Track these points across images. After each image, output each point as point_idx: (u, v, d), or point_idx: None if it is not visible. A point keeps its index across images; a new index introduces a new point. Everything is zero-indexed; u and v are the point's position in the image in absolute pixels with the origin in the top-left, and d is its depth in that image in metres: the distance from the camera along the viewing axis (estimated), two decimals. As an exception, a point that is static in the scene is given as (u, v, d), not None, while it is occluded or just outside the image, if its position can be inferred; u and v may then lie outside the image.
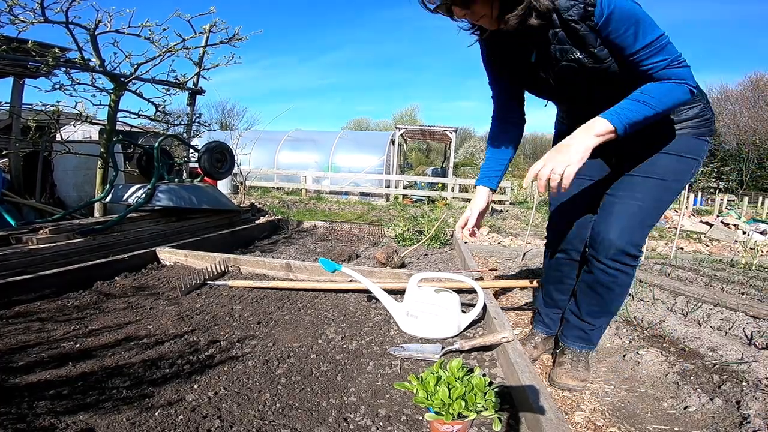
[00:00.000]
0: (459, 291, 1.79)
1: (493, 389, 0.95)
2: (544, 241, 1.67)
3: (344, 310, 1.81)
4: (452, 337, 1.54)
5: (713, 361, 1.65)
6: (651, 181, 1.30)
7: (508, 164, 1.50)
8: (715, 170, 24.36)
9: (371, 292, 1.72)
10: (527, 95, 1.47)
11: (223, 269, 2.32)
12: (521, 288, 2.49)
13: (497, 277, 2.55)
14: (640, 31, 1.06)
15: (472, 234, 1.49)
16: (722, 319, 2.17)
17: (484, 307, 1.64)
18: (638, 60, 1.10)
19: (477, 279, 2.06)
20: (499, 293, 2.46)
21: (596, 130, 1.10)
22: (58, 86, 3.69)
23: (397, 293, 1.91)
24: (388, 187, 11.76)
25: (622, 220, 1.29)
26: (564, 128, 1.49)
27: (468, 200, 9.80)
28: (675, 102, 1.12)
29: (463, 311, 1.60)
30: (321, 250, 3.42)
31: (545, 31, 1.16)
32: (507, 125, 1.49)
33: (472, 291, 1.72)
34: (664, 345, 1.83)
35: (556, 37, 1.17)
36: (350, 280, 2.12)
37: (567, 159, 1.10)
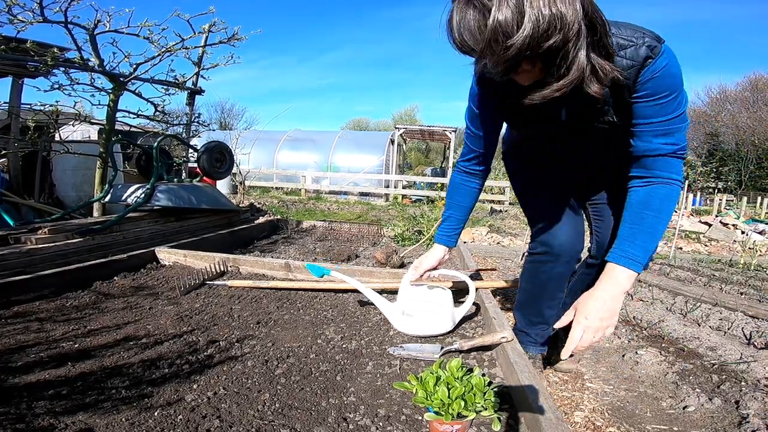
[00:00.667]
0: (452, 289, 1.79)
1: (492, 389, 0.95)
2: (525, 260, 1.53)
3: (343, 310, 1.81)
4: (448, 332, 1.55)
5: (712, 361, 1.66)
6: None
7: (467, 219, 1.49)
8: (714, 170, 24.38)
9: (364, 295, 1.69)
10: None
11: (222, 269, 2.32)
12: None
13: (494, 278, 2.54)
14: (675, 102, 0.98)
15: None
16: (721, 319, 2.17)
17: (476, 303, 1.67)
18: (649, 131, 1.01)
19: (476, 278, 2.06)
20: (496, 293, 2.46)
21: (626, 287, 1.06)
22: (57, 86, 3.69)
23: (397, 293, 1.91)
24: (388, 187, 11.77)
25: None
26: (529, 151, 1.45)
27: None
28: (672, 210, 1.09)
29: (456, 306, 1.61)
30: (320, 250, 3.42)
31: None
32: (474, 178, 1.43)
33: (466, 289, 1.72)
34: (663, 345, 1.83)
35: (598, 99, 0.99)
36: (383, 281, 2.12)
37: (609, 324, 1.05)
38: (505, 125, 1.34)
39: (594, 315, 1.04)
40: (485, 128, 1.29)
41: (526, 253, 1.40)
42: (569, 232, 1.39)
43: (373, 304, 1.66)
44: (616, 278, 1.05)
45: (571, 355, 1.09)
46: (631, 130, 1.05)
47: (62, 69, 3.69)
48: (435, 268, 1.54)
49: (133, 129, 5.39)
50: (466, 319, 1.72)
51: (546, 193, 1.44)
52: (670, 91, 0.97)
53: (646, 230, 1.05)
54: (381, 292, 1.90)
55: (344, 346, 1.44)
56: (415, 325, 1.51)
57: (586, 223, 1.49)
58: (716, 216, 8.83)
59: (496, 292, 2.45)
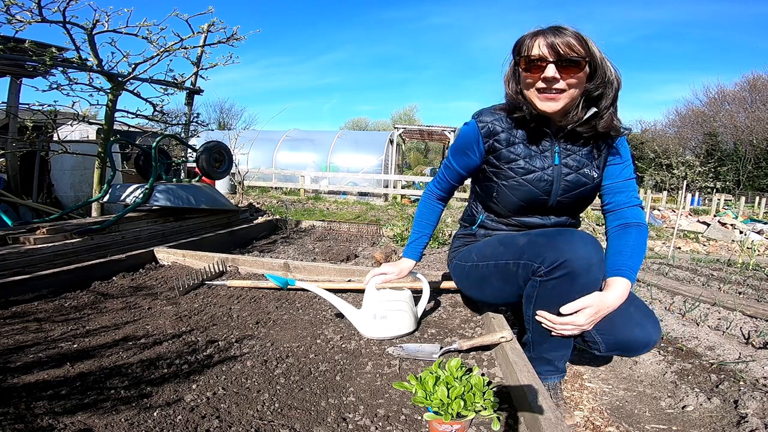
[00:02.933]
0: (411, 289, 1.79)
1: (491, 389, 0.95)
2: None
3: (343, 309, 1.81)
4: (415, 330, 1.56)
5: (711, 361, 1.66)
6: None
7: (429, 241, 1.71)
8: (713, 170, 24.42)
9: (346, 296, 1.67)
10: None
11: (221, 269, 2.32)
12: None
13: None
14: (631, 165, 1.39)
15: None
16: (720, 319, 2.18)
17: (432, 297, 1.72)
18: (631, 188, 1.39)
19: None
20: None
21: (625, 292, 1.22)
22: (55, 86, 3.68)
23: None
24: (387, 186, 11.77)
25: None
26: (494, 226, 1.52)
27: (465, 200, 9.79)
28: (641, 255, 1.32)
29: (415, 305, 1.63)
30: (319, 249, 3.42)
31: (577, 142, 1.35)
32: (441, 204, 1.67)
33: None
34: (662, 344, 1.84)
35: (582, 149, 1.36)
36: (348, 280, 2.12)
37: (595, 321, 1.21)
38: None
39: (598, 309, 1.19)
40: (467, 169, 1.52)
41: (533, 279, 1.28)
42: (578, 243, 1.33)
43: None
44: (620, 288, 1.21)
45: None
46: (613, 186, 1.39)
47: (60, 69, 3.68)
48: (399, 279, 1.61)
49: (131, 129, 5.38)
50: (466, 319, 1.72)
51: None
52: (630, 159, 1.40)
53: (635, 256, 1.29)
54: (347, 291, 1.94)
55: (343, 346, 1.44)
56: (389, 327, 1.49)
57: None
58: (714, 216, 8.85)
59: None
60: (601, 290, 1.22)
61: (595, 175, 1.36)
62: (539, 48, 1.18)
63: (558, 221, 1.45)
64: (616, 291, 1.20)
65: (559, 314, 1.21)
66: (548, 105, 1.23)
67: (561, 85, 1.19)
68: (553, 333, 1.22)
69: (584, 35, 1.19)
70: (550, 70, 1.17)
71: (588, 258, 1.15)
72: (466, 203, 1.71)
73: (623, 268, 1.24)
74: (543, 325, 1.23)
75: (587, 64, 1.18)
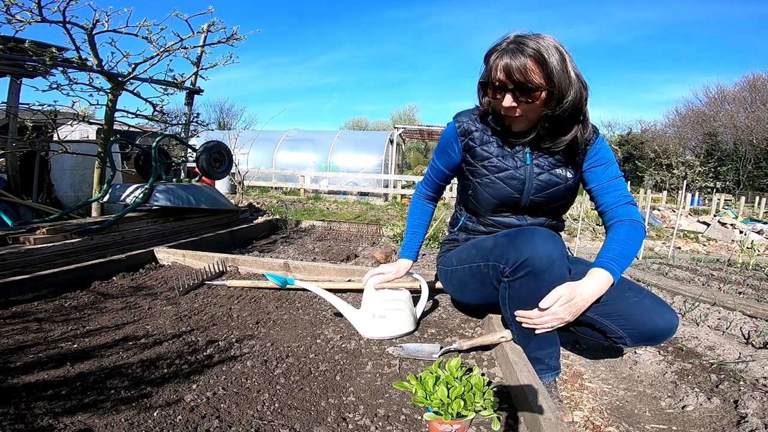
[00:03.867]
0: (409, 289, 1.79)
1: (491, 389, 0.95)
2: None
3: (343, 309, 1.81)
4: (414, 330, 1.56)
5: (711, 361, 1.66)
6: None
7: (423, 240, 1.74)
8: (713, 170, 24.43)
9: (346, 296, 1.67)
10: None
11: (221, 269, 2.32)
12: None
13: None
14: (615, 165, 1.40)
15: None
16: (719, 319, 2.18)
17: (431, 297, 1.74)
18: (608, 189, 1.38)
19: None
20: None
21: (602, 282, 1.23)
22: (55, 86, 3.68)
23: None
24: (387, 186, 11.77)
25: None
26: (475, 227, 1.56)
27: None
28: (641, 242, 1.32)
29: (414, 305, 1.63)
30: (319, 249, 3.42)
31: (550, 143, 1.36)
32: (431, 204, 1.72)
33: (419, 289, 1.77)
34: (662, 344, 1.84)
35: (554, 150, 1.37)
36: (348, 280, 2.12)
37: (575, 312, 1.22)
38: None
39: (569, 299, 1.19)
40: (450, 168, 1.57)
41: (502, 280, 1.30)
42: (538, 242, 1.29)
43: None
44: (601, 280, 1.23)
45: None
46: (599, 188, 1.40)
47: (60, 69, 3.68)
48: (397, 278, 1.63)
49: (131, 129, 5.38)
50: (466, 319, 1.72)
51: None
52: (612, 158, 1.40)
53: (626, 252, 1.28)
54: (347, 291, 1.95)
55: (343, 345, 1.44)
56: (388, 326, 1.49)
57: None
58: (714, 215, 8.85)
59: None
60: None
61: (569, 176, 1.39)
62: (499, 72, 1.20)
63: (535, 222, 1.46)
64: (592, 281, 1.22)
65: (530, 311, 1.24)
66: (513, 125, 1.32)
67: (517, 112, 1.25)
68: (537, 331, 1.22)
69: (546, 52, 1.16)
70: (507, 100, 1.22)
71: (548, 254, 1.16)
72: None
73: (604, 260, 1.25)
74: (524, 324, 1.23)
75: (543, 91, 1.20)
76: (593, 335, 1.36)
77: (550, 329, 1.22)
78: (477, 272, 1.36)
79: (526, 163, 1.39)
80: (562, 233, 1.63)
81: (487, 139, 1.42)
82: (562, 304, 1.18)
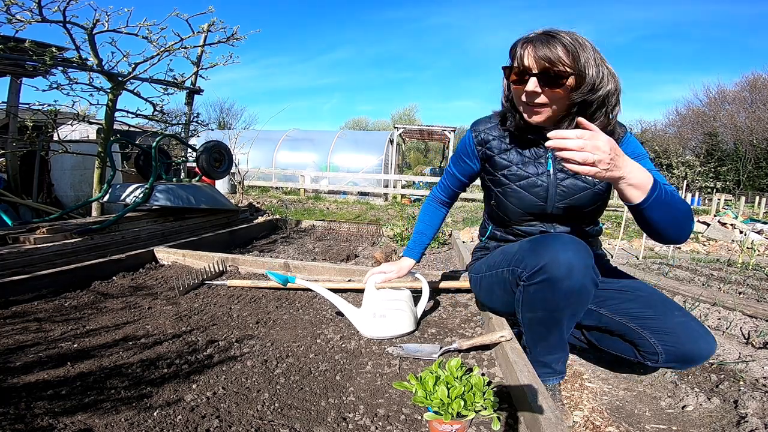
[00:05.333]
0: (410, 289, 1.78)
1: (491, 388, 0.95)
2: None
3: (343, 309, 1.81)
4: (414, 330, 1.56)
5: (711, 361, 1.66)
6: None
7: (429, 243, 1.71)
8: (713, 170, 24.41)
9: (346, 296, 1.69)
10: None
11: (221, 269, 2.32)
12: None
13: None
14: (648, 160, 1.23)
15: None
16: (720, 319, 2.18)
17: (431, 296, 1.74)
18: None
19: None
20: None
21: (643, 180, 1.01)
22: (55, 85, 3.68)
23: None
24: (387, 186, 11.77)
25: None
26: (504, 236, 1.50)
27: (466, 200, 9.81)
28: (685, 213, 1.09)
29: (415, 305, 1.63)
30: (319, 249, 3.42)
31: None
32: (443, 208, 1.70)
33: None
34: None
35: None
36: (348, 280, 2.12)
37: (612, 166, 0.97)
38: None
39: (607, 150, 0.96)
40: (466, 176, 1.56)
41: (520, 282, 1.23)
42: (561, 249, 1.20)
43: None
44: (642, 168, 1.03)
45: None
46: None
47: (60, 68, 3.68)
48: (398, 278, 1.62)
49: (131, 128, 5.38)
50: (466, 319, 1.72)
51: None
52: (645, 152, 1.28)
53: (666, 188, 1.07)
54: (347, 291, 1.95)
55: (343, 345, 1.44)
56: (388, 326, 1.49)
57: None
58: (714, 215, 8.85)
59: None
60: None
61: (597, 179, 1.32)
62: (526, 59, 1.15)
63: (564, 230, 1.38)
64: (635, 164, 1.02)
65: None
66: (533, 118, 1.23)
67: (542, 99, 1.17)
68: (565, 156, 0.96)
69: (577, 42, 1.12)
70: (531, 84, 1.15)
71: (568, 263, 1.10)
72: (466, 203, 1.72)
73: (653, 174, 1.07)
74: (557, 152, 0.98)
75: (572, 77, 1.13)
76: (620, 348, 1.31)
77: (581, 164, 0.96)
78: (501, 278, 1.31)
79: (548, 168, 1.32)
80: (601, 237, 1.55)
81: (505, 147, 1.38)
82: (607, 143, 0.96)
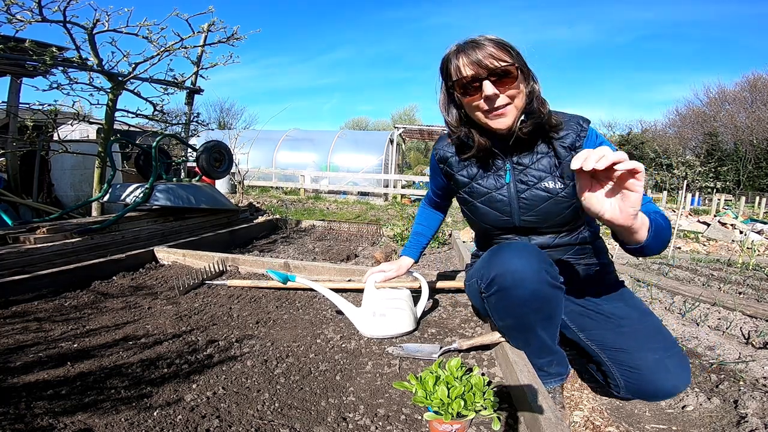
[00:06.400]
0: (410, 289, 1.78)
1: (491, 388, 0.95)
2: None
3: (343, 309, 1.81)
4: (414, 329, 1.56)
5: (711, 361, 1.66)
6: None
7: (428, 243, 1.71)
8: (713, 170, 24.40)
9: (346, 296, 1.69)
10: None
11: (221, 269, 2.32)
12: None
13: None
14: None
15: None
16: (720, 319, 2.18)
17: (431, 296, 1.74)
18: None
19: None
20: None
21: (638, 224, 0.87)
22: (55, 85, 3.68)
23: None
24: (387, 186, 11.76)
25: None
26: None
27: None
28: (668, 229, 1.01)
29: (414, 305, 1.63)
30: (320, 249, 3.42)
31: (530, 150, 1.25)
32: (436, 212, 1.70)
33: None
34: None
35: (538, 160, 1.24)
36: (348, 280, 2.12)
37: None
38: None
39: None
40: (441, 189, 1.56)
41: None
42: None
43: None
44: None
45: None
46: None
47: (61, 68, 3.68)
48: (398, 277, 1.62)
49: (131, 128, 5.38)
50: (466, 319, 1.72)
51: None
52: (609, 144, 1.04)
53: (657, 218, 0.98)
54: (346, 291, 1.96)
55: (343, 345, 1.44)
56: (388, 325, 1.50)
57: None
58: (715, 215, 8.85)
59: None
60: (550, 299, 1.12)
61: (559, 186, 1.22)
62: (469, 68, 1.11)
63: (543, 241, 1.31)
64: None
65: (512, 323, 1.18)
66: (501, 122, 1.15)
67: (502, 99, 1.12)
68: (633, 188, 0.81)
69: (499, 38, 1.13)
70: (488, 87, 1.10)
71: (516, 271, 1.07)
72: None
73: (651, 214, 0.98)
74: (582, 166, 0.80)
75: (518, 70, 1.11)
76: (597, 374, 1.33)
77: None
78: (475, 288, 1.27)
79: (506, 180, 1.27)
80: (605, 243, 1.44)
81: (465, 163, 1.33)
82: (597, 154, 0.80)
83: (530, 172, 1.25)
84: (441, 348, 1.38)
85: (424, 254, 3.31)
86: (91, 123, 4.60)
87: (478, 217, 1.36)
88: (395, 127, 13.68)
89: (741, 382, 1.47)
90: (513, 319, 1.17)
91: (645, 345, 1.20)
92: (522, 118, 1.17)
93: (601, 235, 1.44)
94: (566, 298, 1.26)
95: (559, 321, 1.22)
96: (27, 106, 4.13)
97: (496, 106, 1.12)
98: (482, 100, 1.13)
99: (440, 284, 2.00)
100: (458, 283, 1.99)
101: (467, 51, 1.11)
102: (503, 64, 1.09)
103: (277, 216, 4.87)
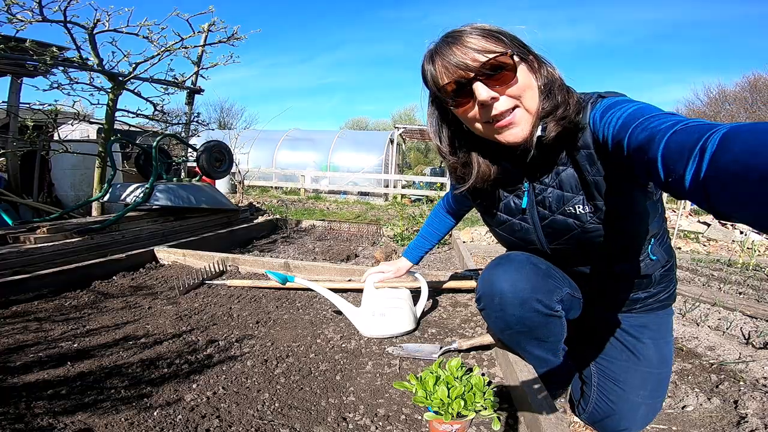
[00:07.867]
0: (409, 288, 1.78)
1: (492, 388, 0.95)
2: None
3: (343, 309, 1.81)
4: (414, 329, 1.57)
5: (711, 361, 1.66)
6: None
7: (431, 248, 1.62)
8: (713, 170, 24.40)
9: (346, 296, 1.69)
10: None
11: (221, 269, 2.32)
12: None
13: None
14: (640, 105, 0.77)
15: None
16: (720, 319, 2.17)
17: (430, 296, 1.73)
18: (653, 138, 0.63)
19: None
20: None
21: None
22: (56, 85, 3.69)
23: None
24: (387, 186, 11.76)
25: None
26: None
27: (466, 200, 9.71)
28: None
29: (414, 304, 1.64)
30: (320, 249, 3.42)
31: (550, 168, 0.97)
32: (450, 218, 1.58)
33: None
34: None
35: (558, 178, 0.96)
36: (348, 280, 2.12)
37: None
38: None
39: None
40: (458, 204, 1.49)
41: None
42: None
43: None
44: None
45: None
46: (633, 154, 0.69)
47: (61, 68, 3.69)
48: (396, 278, 1.61)
49: (132, 128, 5.39)
50: (466, 319, 1.72)
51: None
52: (625, 102, 0.81)
53: None
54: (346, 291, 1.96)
55: (343, 345, 1.44)
56: (388, 324, 1.50)
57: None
58: (715, 216, 8.85)
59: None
60: (539, 327, 1.05)
61: (586, 211, 0.95)
62: (445, 74, 0.87)
63: (584, 270, 1.11)
64: None
65: (506, 337, 1.14)
66: (512, 133, 0.88)
67: (504, 103, 0.85)
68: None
69: (483, 25, 0.88)
70: (481, 91, 0.84)
71: (505, 294, 1.00)
72: None
73: None
74: None
75: (516, 59, 0.84)
76: (576, 390, 1.28)
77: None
78: None
79: (523, 205, 1.04)
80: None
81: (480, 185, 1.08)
82: None
83: (553, 191, 0.98)
84: (441, 348, 1.38)
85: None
86: (92, 123, 4.60)
87: (501, 240, 1.20)
88: (395, 127, 13.68)
89: (741, 383, 1.47)
90: (503, 336, 1.15)
91: (641, 390, 1.12)
92: (541, 124, 0.89)
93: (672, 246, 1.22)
94: (602, 318, 1.18)
95: (558, 338, 1.11)
96: (27, 105, 4.13)
97: (496, 113, 0.85)
98: (477, 108, 0.87)
99: (441, 285, 2.00)
100: (459, 283, 1.99)
101: (442, 52, 0.87)
102: (492, 56, 0.82)
103: (278, 216, 4.87)
